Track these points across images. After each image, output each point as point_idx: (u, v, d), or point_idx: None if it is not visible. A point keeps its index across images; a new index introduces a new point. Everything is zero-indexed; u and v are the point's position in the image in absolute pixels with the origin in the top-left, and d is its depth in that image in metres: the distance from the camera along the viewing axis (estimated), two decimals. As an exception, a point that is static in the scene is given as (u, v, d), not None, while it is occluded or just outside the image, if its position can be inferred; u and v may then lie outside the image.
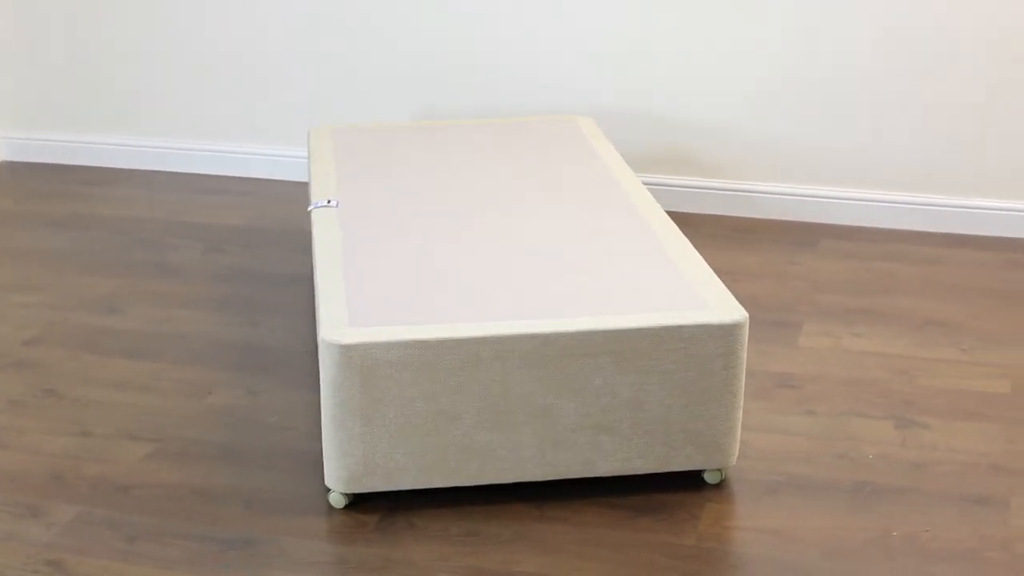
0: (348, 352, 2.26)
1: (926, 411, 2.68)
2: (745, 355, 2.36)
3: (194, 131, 4.03)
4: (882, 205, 3.59)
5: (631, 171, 3.09)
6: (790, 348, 2.94)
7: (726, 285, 3.26)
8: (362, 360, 2.27)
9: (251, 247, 3.50)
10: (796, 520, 2.33)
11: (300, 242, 3.53)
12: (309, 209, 2.89)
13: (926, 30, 3.43)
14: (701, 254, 3.41)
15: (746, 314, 2.35)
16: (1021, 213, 3.50)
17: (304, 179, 3.97)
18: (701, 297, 2.41)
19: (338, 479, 2.34)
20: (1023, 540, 2.26)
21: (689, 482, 2.44)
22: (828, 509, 2.36)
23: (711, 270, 2.55)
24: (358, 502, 2.39)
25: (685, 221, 3.66)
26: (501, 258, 2.59)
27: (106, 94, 4.07)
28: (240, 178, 4.02)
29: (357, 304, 2.39)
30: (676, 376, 2.34)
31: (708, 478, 2.44)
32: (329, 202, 2.89)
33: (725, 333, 2.33)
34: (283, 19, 3.85)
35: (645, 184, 3.64)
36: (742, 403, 2.40)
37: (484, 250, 2.63)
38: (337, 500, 2.37)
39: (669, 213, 3.68)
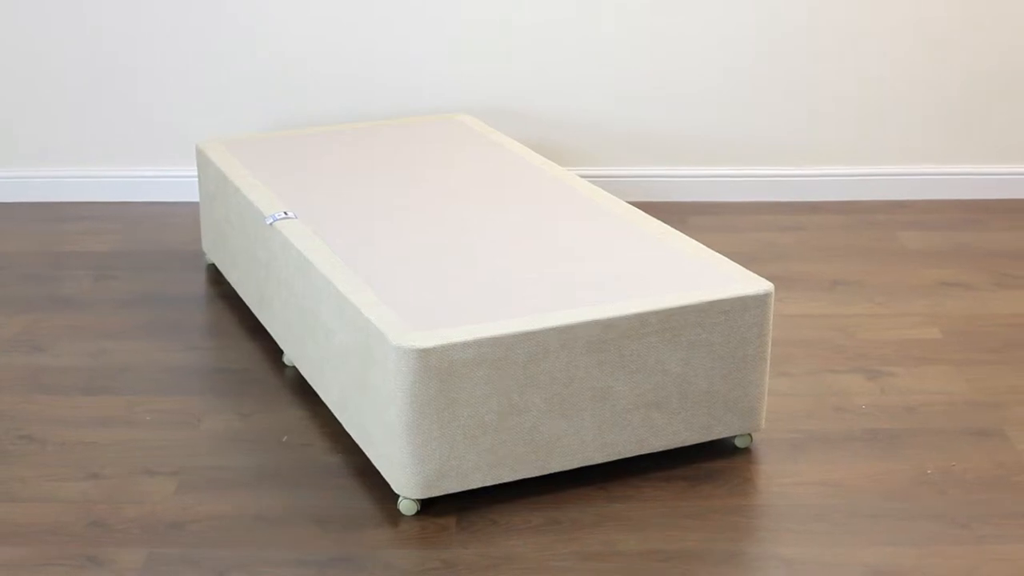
0: (426, 356, 2.25)
1: (883, 361, 2.90)
2: (772, 323, 2.51)
3: (35, 159, 3.79)
4: (737, 180, 3.82)
5: (554, 163, 3.18)
6: (730, 318, 3.11)
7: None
8: (439, 362, 2.26)
9: (142, 271, 3.34)
10: (838, 471, 2.49)
11: (190, 262, 3.40)
12: (268, 223, 2.81)
13: (773, 20, 3.68)
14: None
15: (772, 284, 2.49)
16: (861, 177, 3.81)
17: (174, 197, 3.78)
18: (722, 272, 2.53)
19: (414, 485, 2.32)
20: (1036, 462, 2.52)
21: (720, 449, 2.56)
22: (859, 457, 2.53)
23: (707, 248, 2.68)
24: (425, 506, 2.37)
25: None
26: (506, 252, 2.62)
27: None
28: (95, 203, 3.79)
29: (405, 309, 2.38)
30: (719, 348, 2.45)
31: (739, 443, 2.57)
32: (286, 214, 2.83)
33: (759, 303, 2.47)
34: (131, 31, 3.69)
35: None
36: (769, 368, 2.55)
37: (484, 246, 2.65)
38: (408, 507, 2.35)
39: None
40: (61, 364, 2.88)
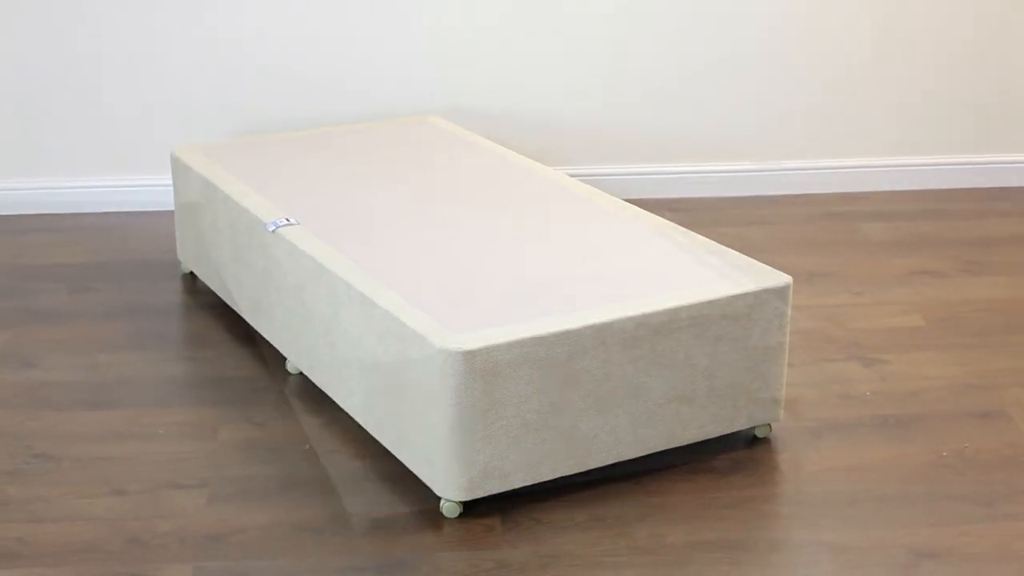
0: (472, 358, 2.25)
1: (875, 349, 2.97)
2: (790, 314, 2.56)
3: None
4: (696, 176, 3.87)
5: (539, 163, 3.20)
6: (718, 311, 3.15)
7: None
8: (484, 364, 2.26)
9: (118, 282, 3.27)
10: (858, 457, 2.55)
11: (165, 270, 3.33)
12: (270, 230, 2.77)
13: (731, 19, 3.74)
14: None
15: (790, 276, 2.54)
16: (817, 171, 3.89)
17: (137, 206, 3.70)
18: (738, 265, 2.57)
19: (457, 488, 2.32)
20: (1044, 442, 2.60)
21: (740, 440, 2.60)
22: (873, 443, 2.59)
23: (714, 241, 2.72)
24: (465, 508, 2.36)
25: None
26: (520, 253, 2.63)
27: None
28: (55, 215, 3.69)
29: (437, 312, 2.37)
30: (743, 340, 2.49)
31: (759, 432, 2.61)
32: (288, 220, 2.79)
33: (779, 295, 2.51)
34: (94, 39, 3.60)
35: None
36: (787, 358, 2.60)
37: (498, 247, 2.66)
38: (451, 509, 2.35)
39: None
40: (57, 379, 2.81)
